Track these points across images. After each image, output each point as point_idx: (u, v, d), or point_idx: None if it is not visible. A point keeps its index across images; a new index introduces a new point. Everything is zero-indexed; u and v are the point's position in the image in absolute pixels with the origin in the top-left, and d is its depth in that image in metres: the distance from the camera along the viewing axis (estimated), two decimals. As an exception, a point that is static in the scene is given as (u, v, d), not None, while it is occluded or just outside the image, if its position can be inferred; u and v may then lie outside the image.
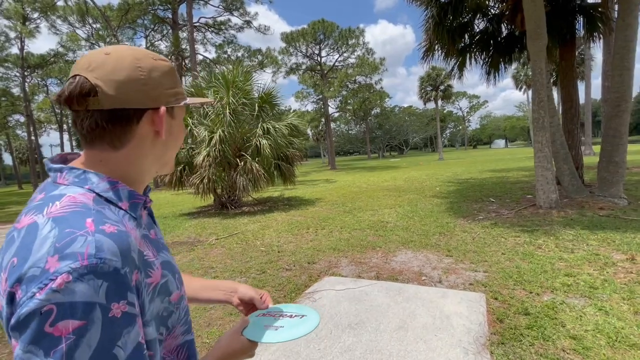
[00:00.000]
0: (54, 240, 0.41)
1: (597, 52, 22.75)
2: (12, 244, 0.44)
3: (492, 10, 8.17)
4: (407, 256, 4.19)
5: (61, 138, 34.47)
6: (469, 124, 78.16)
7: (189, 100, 0.60)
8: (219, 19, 22.50)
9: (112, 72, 0.49)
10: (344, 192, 11.34)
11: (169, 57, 23.94)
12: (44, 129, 41.29)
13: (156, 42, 23.95)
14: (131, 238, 0.47)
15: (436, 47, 8.18)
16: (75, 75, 0.50)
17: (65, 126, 37.61)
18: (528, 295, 2.86)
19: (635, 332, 2.23)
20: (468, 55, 8.45)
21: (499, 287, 3.06)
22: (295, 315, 0.68)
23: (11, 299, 0.40)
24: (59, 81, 31.21)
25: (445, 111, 64.41)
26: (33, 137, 26.26)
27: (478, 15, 8.12)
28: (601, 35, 7.84)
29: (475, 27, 8.19)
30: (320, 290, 3.31)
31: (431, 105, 35.28)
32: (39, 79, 29.85)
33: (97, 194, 0.50)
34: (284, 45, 26.63)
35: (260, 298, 0.79)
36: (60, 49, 25.35)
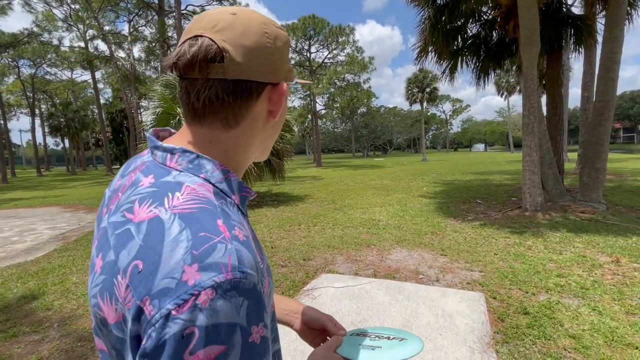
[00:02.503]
0: (190, 245, 0.34)
1: (574, 63, 23.75)
2: (129, 240, 0.37)
3: (485, 16, 8.33)
4: (402, 254, 4.21)
5: (32, 123, 32.59)
6: (451, 127, 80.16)
7: (297, 80, 0.53)
8: (207, 7, 21.86)
9: (242, 35, 0.42)
10: (332, 189, 11.32)
11: (153, 45, 23.11)
12: (13, 112, 38.97)
13: (140, 28, 23.03)
14: (253, 245, 0.40)
15: (430, 48, 8.26)
16: (197, 37, 0.42)
17: (37, 110, 35.64)
18: (525, 295, 2.92)
19: (629, 331, 2.31)
20: (460, 58, 8.58)
21: (496, 287, 3.11)
22: (394, 338, 0.62)
23: (138, 315, 0.33)
24: (31, 63, 29.50)
25: (429, 113, 65.69)
26: (2, 121, 24.67)
27: (471, 20, 8.26)
28: (585, 47, 8.17)
29: (469, 31, 8.33)
30: (318, 287, 3.26)
31: (416, 106, 35.88)
32: (9, 60, 28.06)
33: (214, 185, 0.43)
34: (273, 38, 26.25)
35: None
36: (35, 29, 23.91)
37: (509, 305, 2.76)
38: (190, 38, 0.42)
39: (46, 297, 3.28)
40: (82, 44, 26.91)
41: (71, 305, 3.12)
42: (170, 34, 20.13)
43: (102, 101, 32.68)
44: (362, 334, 0.65)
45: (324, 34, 26.10)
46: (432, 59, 8.46)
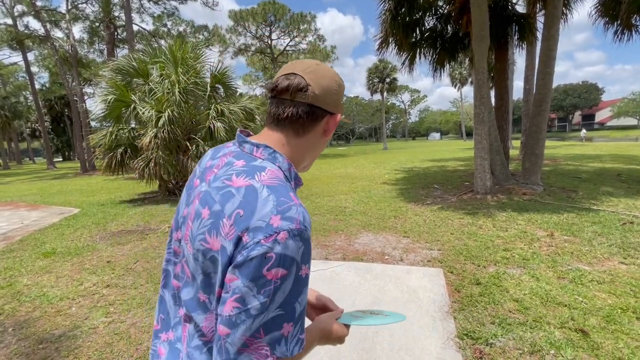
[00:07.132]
0: (275, 203, 0.52)
1: (518, 58, 25.75)
2: (231, 197, 0.54)
3: (441, 10, 8.74)
4: (368, 238, 4.44)
5: None
6: (410, 117, 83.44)
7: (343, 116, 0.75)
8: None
9: (321, 78, 0.64)
10: (297, 178, 11.37)
11: (98, 25, 21.06)
12: None
13: (80, 5, 20.79)
14: None
15: (390, 40, 8.52)
16: (291, 74, 0.63)
17: None
18: (477, 268, 3.27)
19: (560, 293, 2.71)
20: (418, 50, 8.97)
21: (453, 263, 3.43)
22: (380, 313, 0.77)
23: (237, 242, 0.50)
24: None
25: (389, 103, 67.62)
26: None
27: (428, 13, 8.63)
28: (528, 43, 8.93)
29: (426, 24, 8.70)
30: (291, 273, 3.36)
31: (377, 96, 36.77)
32: None
33: (283, 172, 0.61)
34: (232, 23, 25.17)
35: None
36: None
37: (463, 277, 3.07)
38: (285, 74, 0.64)
39: (-6, 302, 3.02)
40: (10, 21, 23.70)
41: (25, 308, 2.91)
42: (117, 14, 18.46)
43: (37, 86, 29.20)
44: (356, 311, 0.80)
45: (285, 21, 25.55)
46: (392, 50, 8.75)
